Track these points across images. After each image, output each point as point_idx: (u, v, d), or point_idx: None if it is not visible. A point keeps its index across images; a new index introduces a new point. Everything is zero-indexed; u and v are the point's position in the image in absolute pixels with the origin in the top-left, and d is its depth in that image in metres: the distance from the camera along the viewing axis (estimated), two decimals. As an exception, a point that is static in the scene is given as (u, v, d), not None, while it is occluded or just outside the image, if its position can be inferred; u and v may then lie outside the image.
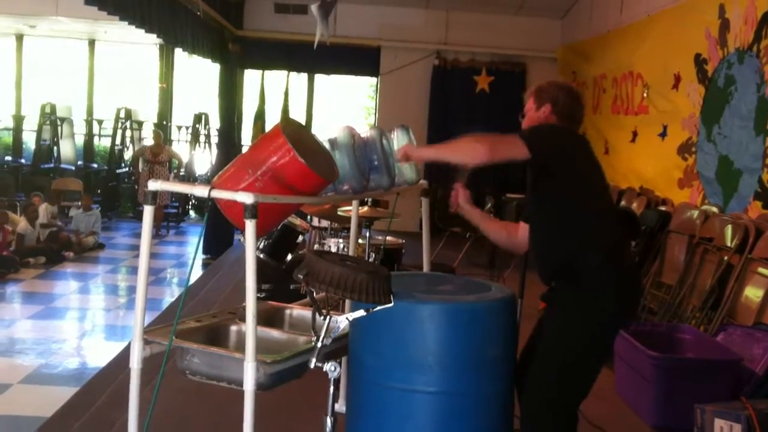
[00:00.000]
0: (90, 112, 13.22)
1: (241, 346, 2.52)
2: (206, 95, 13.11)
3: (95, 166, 13.14)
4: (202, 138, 13.14)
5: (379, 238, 5.25)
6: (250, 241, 2.32)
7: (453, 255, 7.99)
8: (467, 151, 2.55)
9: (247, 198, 2.31)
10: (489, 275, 7.05)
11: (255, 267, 2.31)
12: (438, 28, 10.93)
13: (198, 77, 13.72)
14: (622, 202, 7.25)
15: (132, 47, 13.39)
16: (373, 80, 11.77)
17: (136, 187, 11.80)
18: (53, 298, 7.27)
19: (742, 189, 5.52)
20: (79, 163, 13.06)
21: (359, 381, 2.55)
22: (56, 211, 10.20)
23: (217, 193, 2.42)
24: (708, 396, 3.60)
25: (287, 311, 3.15)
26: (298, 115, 11.76)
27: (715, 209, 5.81)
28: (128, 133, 13.04)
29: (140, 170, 11.26)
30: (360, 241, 4.50)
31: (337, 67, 11.33)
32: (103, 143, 13.68)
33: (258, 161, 2.48)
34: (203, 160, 13.16)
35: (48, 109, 12.72)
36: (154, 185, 2.51)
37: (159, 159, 11.08)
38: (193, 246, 10.62)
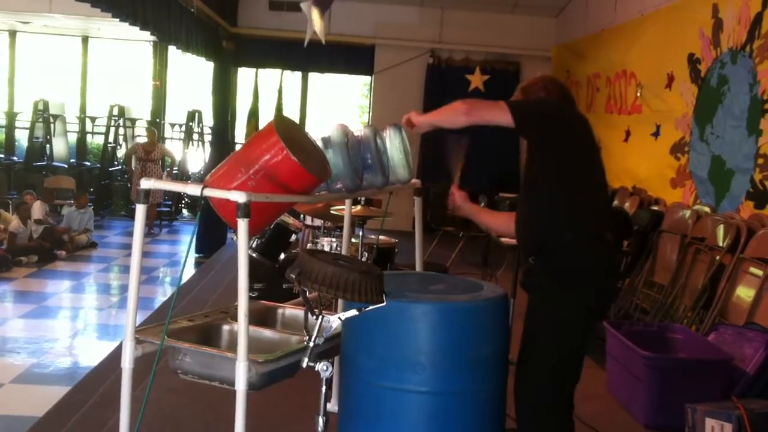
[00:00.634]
0: (83, 110, 13.17)
1: (233, 346, 2.52)
2: (200, 93, 13.07)
3: (88, 163, 13.10)
4: (195, 136, 13.13)
5: (372, 237, 5.25)
6: (242, 240, 2.31)
7: (446, 254, 8.00)
8: (449, 112, 2.62)
9: (239, 197, 2.30)
10: (482, 274, 7.05)
11: (247, 266, 2.30)
12: (432, 26, 10.93)
13: (191, 75, 13.68)
14: (615, 202, 7.27)
15: (125, 44, 13.34)
16: (367, 79, 11.76)
17: (129, 185, 11.77)
18: (45, 297, 7.24)
19: (734, 189, 5.53)
20: (72, 160, 13.01)
21: (351, 380, 2.55)
22: (49, 209, 10.17)
23: (210, 192, 2.42)
24: (700, 395, 3.62)
25: (280, 310, 3.14)
26: (291, 113, 11.73)
27: (707, 209, 5.82)
28: (121, 130, 13.00)
29: (133, 168, 11.21)
30: (353, 240, 4.49)
31: (331, 65, 11.31)
32: (96, 141, 13.62)
33: (251, 160, 2.47)
34: (196, 158, 13.15)
35: (41, 107, 12.68)
36: (146, 183, 2.50)
37: (152, 157, 11.05)
38: (185, 244, 10.61)
